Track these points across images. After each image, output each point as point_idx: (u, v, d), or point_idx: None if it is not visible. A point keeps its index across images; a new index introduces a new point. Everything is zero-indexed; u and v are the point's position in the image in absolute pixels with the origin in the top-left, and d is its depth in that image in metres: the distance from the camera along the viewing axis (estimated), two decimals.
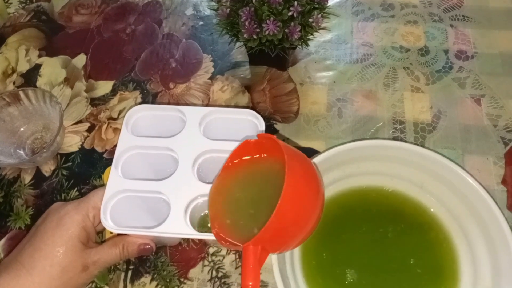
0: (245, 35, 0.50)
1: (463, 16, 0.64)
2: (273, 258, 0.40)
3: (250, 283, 0.34)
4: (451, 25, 0.63)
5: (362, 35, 0.63)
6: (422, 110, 0.56)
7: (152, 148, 0.44)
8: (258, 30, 0.50)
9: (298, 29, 0.50)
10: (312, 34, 0.53)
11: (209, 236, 0.40)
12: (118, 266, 0.49)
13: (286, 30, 0.50)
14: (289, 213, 0.34)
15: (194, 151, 0.42)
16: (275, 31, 0.49)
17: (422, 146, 0.53)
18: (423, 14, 0.64)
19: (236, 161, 0.41)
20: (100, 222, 0.41)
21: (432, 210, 0.47)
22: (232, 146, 0.42)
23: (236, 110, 0.44)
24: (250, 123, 0.44)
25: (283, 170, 0.34)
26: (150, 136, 0.44)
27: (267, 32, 0.49)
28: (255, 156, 0.41)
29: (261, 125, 0.43)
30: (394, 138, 0.55)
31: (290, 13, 0.49)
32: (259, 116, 0.43)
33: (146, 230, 0.40)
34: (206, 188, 0.41)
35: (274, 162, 0.40)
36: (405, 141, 0.54)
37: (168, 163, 0.44)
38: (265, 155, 0.41)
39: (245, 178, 0.41)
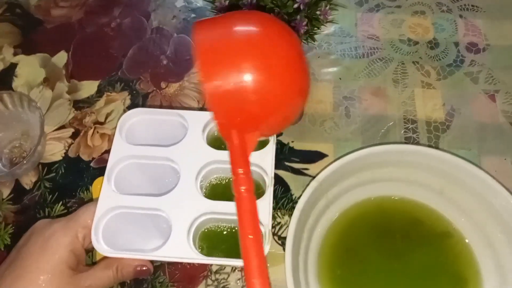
0: None
1: (472, 6, 0.60)
2: (287, 277, 0.36)
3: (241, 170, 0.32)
4: (460, 16, 0.59)
5: (367, 27, 0.59)
6: (434, 107, 0.53)
7: (150, 158, 0.39)
8: None
9: (305, 22, 0.46)
10: (318, 28, 0.48)
11: (215, 261, 0.36)
12: None
13: (292, 24, 0.45)
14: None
15: (198, 162, 0.38)
16: None
17: (437, 147, 0.50)
18: (430, 4, 0.61)
19: None
20: (91, 242, 0.37)
21: (453, 217, 0.44)
22: None
23: None
24: None
25: None
26: (147, 144, 0.39)
27: None
28: None
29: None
30: (406, 139, 0.51)
31: (295, 6, 0.44)
32: None
33: (145, 254, 0.36)
34: (211, 205, 0.37)
35: None
36: (418, 142, 0.50)
37: (168, 175, 0.40)
38: None
39: None
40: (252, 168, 0.38)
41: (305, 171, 0.49)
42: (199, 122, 0.40)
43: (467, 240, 0.43)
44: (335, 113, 0.53)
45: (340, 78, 0.55)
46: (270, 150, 0.38)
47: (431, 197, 0.44)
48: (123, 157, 0.39)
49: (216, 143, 0.40)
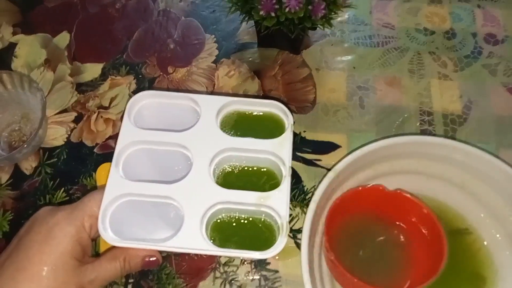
0: (261, 12, 0.43)
1: None
2: (304, 272, 0.35)
3: None
4: (478, 6, 0.58)
5: (382, 15, 0.57)
6: (451, 99, 0.51)
7: (160, 144, 0.37)
8: (277, 6, 0.43)
9: (323, 6, 0.43)
10: (336, 13, 0.46)
11: (230, 253, 0.34)
12: (115, 280, 0.42)
13: (309, 7, 0.43)
14: None
15: (211, 149, 0.36)
16: (297, 8, 0.42)
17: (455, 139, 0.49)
18: None
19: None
20: (97, 231, 0.35)
21: (473, 213, 0.42)
22: (255, 144, 0.36)
23: (260, 101, 0.38)
24: (276, 119, 0.38)
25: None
26: (157, 129, 0.37)
27: (287, 9, 0.43)
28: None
29: (289, 122, 0.37)
30: (422, 131, 0.49)
31: None
32: (288, 111, 0.37)
33: (156, 244, 0.34)
34: (225, 194, 0.35)
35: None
36: (435, 135, 0.49)
37: (178, 161, 0.38)
38: None
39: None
40: (267, 156, 0.37)
41: (317, 162, 0.48)
42: (213, 106, 0.38)
43: (486, 237, 0.41)
44: (349, 102, 0.51)
45: (354, 67, 0.53)
46: (287, 138, 0.37)
47: (450, 191, 0.43)
48: (132, 142, 0.37)
49: (229, 129, 0.38)
